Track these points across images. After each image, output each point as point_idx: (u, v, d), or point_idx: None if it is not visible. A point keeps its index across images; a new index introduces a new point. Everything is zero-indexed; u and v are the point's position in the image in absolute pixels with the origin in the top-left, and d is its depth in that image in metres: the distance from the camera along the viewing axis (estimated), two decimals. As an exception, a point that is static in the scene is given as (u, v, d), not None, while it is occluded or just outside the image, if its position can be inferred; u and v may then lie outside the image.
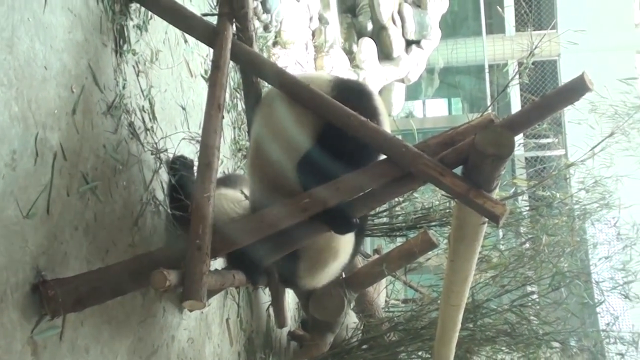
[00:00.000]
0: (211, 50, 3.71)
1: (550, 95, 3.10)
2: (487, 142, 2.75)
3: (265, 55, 6.68)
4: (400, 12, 13.67)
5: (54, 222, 2.87)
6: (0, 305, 2.50)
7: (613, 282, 5.83)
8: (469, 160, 2.96)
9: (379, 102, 3.73)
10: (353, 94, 3.57)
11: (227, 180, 4.48)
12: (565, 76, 16.82)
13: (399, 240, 6.33)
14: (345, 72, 11.30)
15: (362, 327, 5.88)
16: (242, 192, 4.17)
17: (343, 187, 3.24)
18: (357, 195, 3.36)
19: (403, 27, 13.78)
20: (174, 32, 4.38)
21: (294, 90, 3.51)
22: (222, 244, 3.20)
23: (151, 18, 4.02)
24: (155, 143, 3.98)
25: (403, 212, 6.30)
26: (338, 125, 3.34)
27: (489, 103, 12.41)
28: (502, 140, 2.75)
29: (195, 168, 4.08)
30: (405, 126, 11.93)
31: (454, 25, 19.84)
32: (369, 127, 3.25)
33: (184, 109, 4.47)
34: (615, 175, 5.76)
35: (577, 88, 2.95)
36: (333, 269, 4.35)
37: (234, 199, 4.13)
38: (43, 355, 2.74)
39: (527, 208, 6.23)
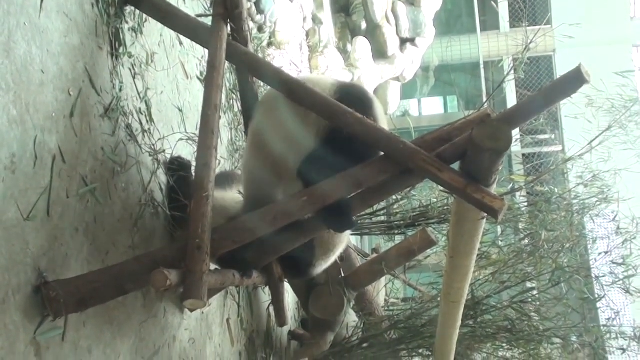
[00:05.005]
0: (206, 52, 3.72)
1: (547, 88, 3.09)
2: (485, 137, 2.75)
3: (260, 56, 6.68)
4: (394, 11, 13.69)
5: (54, 224, 2.87)
6: (2, 307, 2.51)
7: (613, 277, 5.82)
8: (466, 155, 2.96)
9: (379, 108, 3.73)
10: (355, 99, 3.55)
11: (222, 179, 4.44)
12: (561, 71, 16.71)
13: (398, 239, 6.33)
14: (342, 73, 11.32)
15: (362, 326, 5.88)
16: (240, 192, 4.17)
17: (341, 185, 3.24)
18: (355, 193, 3.36)
19: (397, 25, 13.79)
20: (169, 34, 4.39)
21: (292, 89, 3.50)
22: (221, 242, 3.21)
23: (146, 21, 4.03)
24: (153, 145, 3.98)
25: (401, 210, 6.31)
26: (336, 123, 3.35)
27: (484, 100, 12.41)
28: (499, 134, 2.75)
29: (193, 169, 4.09)
30: (401, 125, 11.93)
31: (448, 23, 19.89)
32: (367, 124, 3.25)
33: (180, 110, 4.48)
34: (614, 169, 5.76)
35: (574, 80, 2.94)
36: (337, 253, 4.51)
37: (232, 198, 4.14)
38: (46, 356, 2.75)
39: (526, 204, 6.24)
